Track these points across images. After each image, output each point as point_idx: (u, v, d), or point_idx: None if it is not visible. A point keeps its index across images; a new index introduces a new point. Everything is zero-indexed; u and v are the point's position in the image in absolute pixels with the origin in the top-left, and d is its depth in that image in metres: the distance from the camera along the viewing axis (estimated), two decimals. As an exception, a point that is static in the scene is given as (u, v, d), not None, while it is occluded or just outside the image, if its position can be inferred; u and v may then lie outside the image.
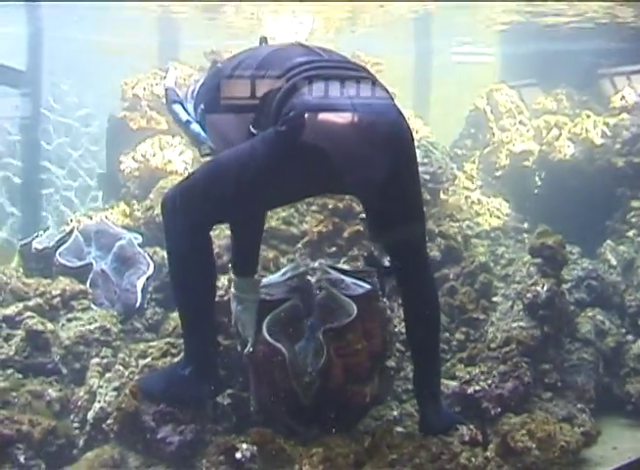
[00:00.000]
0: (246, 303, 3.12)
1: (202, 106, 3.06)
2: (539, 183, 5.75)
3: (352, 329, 2.96)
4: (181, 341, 3.22)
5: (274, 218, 4.10)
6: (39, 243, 4.12)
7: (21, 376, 3.32)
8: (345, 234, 3.99)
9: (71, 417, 3.24)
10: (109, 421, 3.05)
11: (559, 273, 3.79)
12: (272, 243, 4.02)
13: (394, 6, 7.09)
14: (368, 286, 3.15)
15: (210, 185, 2.84)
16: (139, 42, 8.50)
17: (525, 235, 5.26)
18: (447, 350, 3.78)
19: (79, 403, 3.26)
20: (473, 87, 7.18)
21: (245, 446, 2.79)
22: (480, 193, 5.90)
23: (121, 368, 3.34)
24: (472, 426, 2.95)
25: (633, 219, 4.88)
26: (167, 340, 3.50)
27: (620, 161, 5.21)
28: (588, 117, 5.66)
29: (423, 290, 3.05)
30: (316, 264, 3.35)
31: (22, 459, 2.91)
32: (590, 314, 4.06)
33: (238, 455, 2.76)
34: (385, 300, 3.41)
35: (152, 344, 3.53)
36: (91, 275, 3.91)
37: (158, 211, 4.19)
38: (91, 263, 3.96)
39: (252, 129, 2.80)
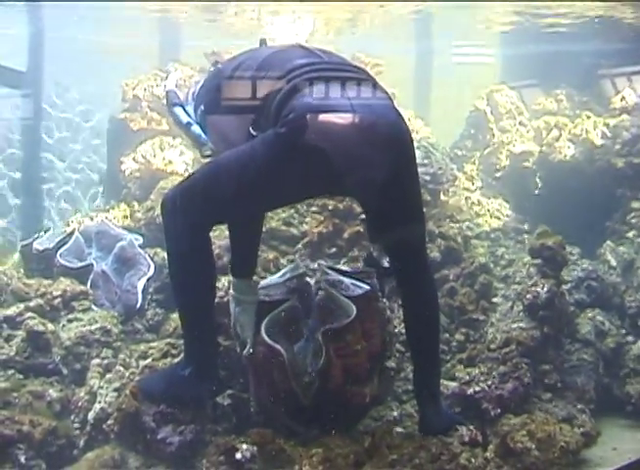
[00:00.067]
0: (244, 304, 3.12)
1: (202, 107, 3.06)
2: (539, 184, 5.75)
3: (351, 330, 2.96)
4: (181, 342, 3.23)
5: (274, 219, 4.11)
6: (40, 244, 4.12)
7: (21, 376, 3.33)
8: (346, 235, 3.99)
9: (72, 418, 3.24)
10: (109, 422, 3.06)
11: (559, 274, 3.80)
12: (272, 244, 4.03)
13: (394, 6, 7.10)
14: (367, 287, 3.15)
15: (210, 186, 2.84)
16: (140, 43, 8.51)
17: (526, 236, 5.25)
18: (447, 350, 3.78)
19: (80, 404, 3.26)
20: (473, 88, 7.18)
21: (245, 446, 2.80)
22: (481, 194, 5.91)
23: (122, 369, 3.34)
24: (471, 427, 2.96)
25: (633, 220, 4.89)
26: (168, 341, 3.50)
27: (620, 161, 5.21)
28: (588, 117, 5.66)
29: (422, 291, 3.05)
30: (315, 265, 3.35)
31: (22, 459, 2.92)
32: (590, 315, 4.06)
33: (238, 456, 2.77)
34: (384, 300, 3.41)
35: (152, 345, 3.54)
36: (92, 276, 3.92)
37: (158, 211, 4.19)
38: (92, 264, 3.97)
39: (252, 131, 2.80)
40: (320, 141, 2.61)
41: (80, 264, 3.97)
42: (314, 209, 4.16)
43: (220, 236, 3.73)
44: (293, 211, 4.17)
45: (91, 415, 3.18)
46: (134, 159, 5.33)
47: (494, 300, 4.04)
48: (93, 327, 3.56)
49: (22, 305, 3.57)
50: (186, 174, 4.70)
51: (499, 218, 5.65)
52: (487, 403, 3.38)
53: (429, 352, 3.07)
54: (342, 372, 2.93)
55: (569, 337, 3.88)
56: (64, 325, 3.59)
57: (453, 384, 3.47)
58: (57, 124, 9.24)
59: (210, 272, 2.98)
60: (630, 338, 4.06)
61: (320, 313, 3.02)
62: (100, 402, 3.20)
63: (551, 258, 3.77)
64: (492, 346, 3.64)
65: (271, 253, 3.91)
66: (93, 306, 3.76)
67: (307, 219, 4.15)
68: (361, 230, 3.92)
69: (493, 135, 6.26)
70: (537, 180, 5.77)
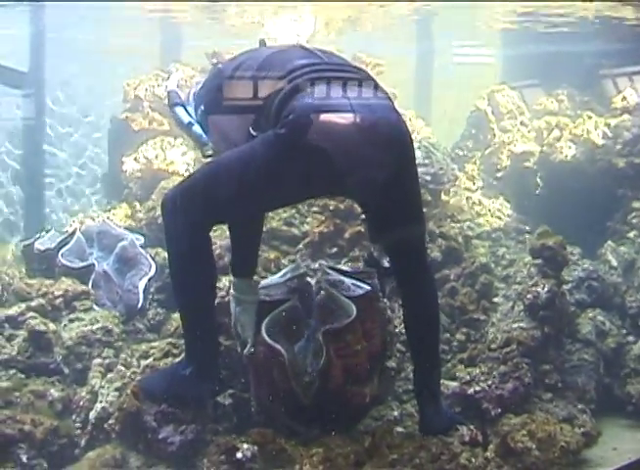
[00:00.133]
0: (245, 304, 3.13)
1: (202, 107, 3.07)
2: (540, 184, 5.75)
3: (352, 330, 2.96)
4: (182, 341, 3.23)
5: (275, 219, 4.12)
6: (41, 244, 4.13)
7: (23, 376, 3.33)
8: (347, 235, 4.00)
9: (73, 417, 3.25)
10: (110, 421, 3.07)
11: (559, 274, 3.80)
12: (273, 244, 4.04)
13: (395, 7, 7.10)
14: (368, 287, 3.16)
15: (210, 186, 2.85)
16: (141, 43, 8.52)
17: (527, 236, 5.25)
18: (448, 350, 3.78)
19: (81, 403, 3.27)
20: (474, 88, 7.19)
21: (245, 445, 2.81)
22: (481, 194, 5.91)
23: (123, 368, 3.35)
24: (472, 426, 2.96)
25: (634, 220, 4.88)
26: (169, 340, 3.51)
27: (621, 161, 5.21)
28: (589, 117, 5.65)
29: (422, 291, 3.06)
30: (316, 265, 3.36)
31: (24, 459, 2.93)
32: (591, 315, 4.06)
33: (239, 455, 2.78)
34: (385, 300, 3.42)
35: (153, 344, 3.55)
36: (93, 276, 3.93)
37: (159, 211, 4.20)
38: (93, 264, 3.98)
39: (252, 131, 2.81)
40: (320, 142, 2.62)
41: (82, 264, 3.98)
42: (315, 209, 4.16)
43: (221, 236, 3.73)
44: (294, 211, 4.18)
45: (92, 415, 3.18)
46: (135, 159, 5.34)
47: (495, 299, 4.05)
48: (94, 327, 3.57)
49: (23, 305, 3.58)
50: (187, 175, 4.71)
51: (500, 218, 5.65)
52: (488, 403, 3.38)
53: (429, 352, 3.08)
54: (342, 372, 2.93)
55: (569, 337, 3.88)
56: (65, 325, 3.60)
57: (454, 384, 3.47)
58: (59, 122, 9.29)
59: (211, 272, 2.99)
60: (631, 338, 4.06)
61: (321, 313, 3.03)
62: (101, 402, 3.21)
63: (552, 258, 3.78)
64: (493, 345, 3.64)
65: (272, 253, 3.92)
66: (94, 306, 3.77)
67: (308, 219, 4.15)
68: (362, 230, 3.92)
69: (494, 135, 6.26)
70: (538, 180, 5.77)
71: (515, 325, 3.69)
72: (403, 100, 6.43)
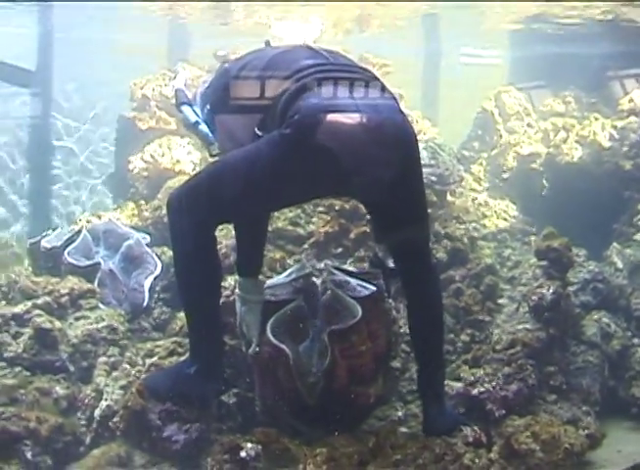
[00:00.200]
0: (250, 303, 3.13)
1: (208, 106, 3.07)
2: (546, 186, 5.74)
3: (357, 331, 2.97)
4: (188, 340, 3.24)
5: (281, 219, 4.12)
6: (48, 242, 4.14)
7: (28, 373, 3.34)
8: (352, 235, 4.00)
9: (78, 415, 3.26)
10: (115, 419, 3.08)
11: (564, 276, 3.79)
12: (279, 243, 4.04)
13: (403, 8, 7.10)
14: (373, 288, 3.16)
15: (215, 185, 2.86)
16: (148, 43, 8.54)
17: (532, 237, 5.24)
18: (452, 351, 3.77)
19: (86, 401, 3.28)
20: (481, 89, 7.18)
21: (249, 445, 2.81)
22: (488, 195, 5.89)
23: (128, 367, 3.36)
24: (476, 427, 2.96)
25: (640, 222, 4.88)
26: (174, 339, 3.52)
27: (628, 163, 5.20)
28: (596, 119, 5.64)
29: (427, 291, 3.06)
30: (322, 265, 3.36)
31: (29, 455, 2.94)
32: (596, 317, 4.04)
33: (242, 454, 2.78)
34: (390, 301, 3.42)
35: (159, 343, 3.56)
36: (99, 274, 3.94)
37: (165, 210, 4.21)
38: (99, 263, 3.99)
39: (258, 131, 2.81)
40: (325, 142, 2.62)
41: (88, 263, 3.99)
42: (321, 209, 4.16)
43: (227, 235, 3.74)
44: (299, 210, 4.18)
45: (97, 412, 3.20)
46: (142, 158, 5.36)
47: (500, 301, 4.04)
48: (100, 325, 3.58)
49: (29, 303, 3.59)
50: (193, 174, 4.72)
51: (506, 220, 5.64)
52: (492, 404, 3.38)
53: (433, 353, 3.08)
54: (347, 372, 2.94)
55: (574, 339, 3.87)
56: (71, 323, 3.61)
57: (458, 384, 3.46)
58: (64, 125, 9.34)
59: (216, 271, 2.99)
60: (636, 340, 4.05)
61: (326, 314, 3.03)
62: (106, 400, 3.22)
63: (557, 260, 3.77)
64: (497, 347, 3.64)
65: (278, 252, 3.92)
66: (100, 305, 3.78)
67: (314, 219, 4.15)
68: (367, 230, 3.92)
69: (501, 136, 6.25)
70: (544, 182, 5.76)
71: (520, 326, 3.69)
72: (410, 100, 6.43)
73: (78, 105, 9.79)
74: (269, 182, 2.73)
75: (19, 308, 3.55)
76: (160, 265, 4.03)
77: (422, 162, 3.01)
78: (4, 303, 3.76)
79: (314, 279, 3.21)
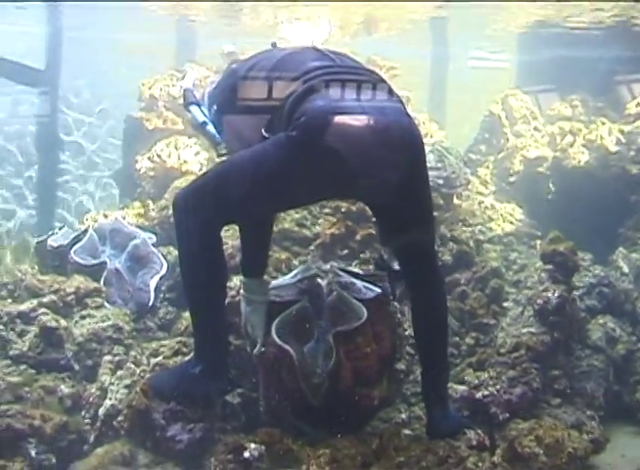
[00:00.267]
0: (255, 304, 3.13)
1: (215, 107, 3.08)
2: (553, 189, 5.74)
3: (362, 332, 2.97)
4: (193, 340, 3.24)
5: (287, 220, 4.13)
6: (54, 240, 4.16)
7: (34, 371, 3.35)
8: (358, 237, 4.00)
9: (83, 413, 3.27)
10: (119, 418, 3.08)
11: (570, 280, 3.79)
12: (285, 244, 4.05)
13: (410, 10, 7.10)
14: (378, 290, 3.16)
15: (221, 186, 2.86)
16: (156, 43, 8.57)
17: (538, 241, 5.24)
18: (457, 354, 3.78)
19: (91, 400, 3.29)
20: (488, 92, 7.18)
21: (253, 445, 2.81)
22: (494, 198, 5.90)
23: (133, 366, 3.36)
24: (479, 431, 2.95)
25: (646, 227, 4.88)
26: (179, 339, 3.53)
27: (635, 168, 5.20)
28: (603, 123, 5.64)
29: (432, 294, 3.06)
30: (328, 267, 3.36)
31: (33, 453, 2.95)
32: (601, 321, 4.04)
33: (246, 454, 2.78)
34: (395, 303, 3.42)
35: (164, 342, 3.56)
36: (105, 274, 3.95)
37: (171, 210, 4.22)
38: (105, 262, 4.00)
39: (265, 133, 2.81)
40: (331, 145, 2.62)
41: (94, 262, 4.00)
42: (327, 210, 4.17)
43: (233, 236, 3.75)
44: (306, 212, 4.19)
45: (102, 411, 3.20)
46: (149, 158, 5.37)
47: (505, 304, 4.05)
48: (105, 324, 3.59)
49: (35, 301, 3.60)
50: (199, 174, 4.73)
51: (512, 223, 5.64)
52: (496, 408, 3.38)
53: (437, 356, 3.08)
54: (351, 374, 2.94)
55: (579, 343, 3.87)
56: (76, 322, 3.62)
57: (462, 387, 3.47)
58: (74, 120, 9.38)
59: (221, 271, 2.99)
60: (641, 345, 4.06)
61: (331, 315, 3.03)
62: (110, 399, 3.22)
63: (563, 264, 3.77)
64: (502, 350, 3.64)
65: (283, 253, 3.93)
66: (106, 304, 3.79)
67: (320, 221, 4.16)
68: (373, 232, 3.93)
69: (507, 140, 6.25)
70: (551, 186, 5.76)
71: (524, 330, 3.69)
72: (417, 103, 6.44)
73: (88, 99, 9.82)
74: (275, 184, 2.73)
75: (25, 307, 3.57)
76: (165, 265, 4.04)
77: (428, 164, 3.01)
78: (10, 300, 3.77)
79: (319, 280, 3.21)
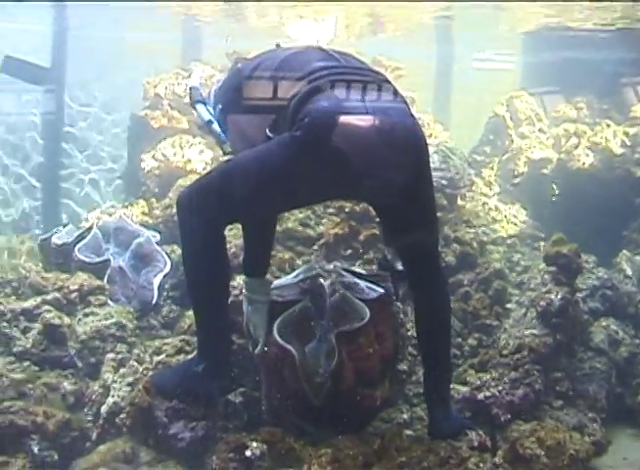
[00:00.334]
0: (257, 303, 3.13)
1: (220, 106, 3.08)
2: (557, 191, 5.75)
3: (364, 333, 2.97)
4: (196, 339, 3.25)
5: (291, 220, 4.13)
6: (59, 238, 4.16)
7: (37, 368, 3.36)
8: (361, 237, 4.00)
9: (85, 410, 3.28)
10: (122, 415, 3.09)
11: (573, 282, 3.79)
12: (288, 244, 4.05)
13: (416, 11, 7.10)
14: (381, 290, 3.16)
15: (226, 185, 2.86)
16: (162, 42, 8.58)
17: (542, 243, 5.24)
18: (459, 355, 3.78)
19: (93, 397, 3.30)
20: (493, 94, 7.17)
21: (255, 444, 2.82)
22: (498, 200, 5.90)
23: (136, 364, 3.37)
24: (481, 432, 2.95)
25: (650, 230, 4.88)
26: (182, 337, 3.53)
27: (639, 170, 5.18)
28: (608, 126, 5.64)
29: (435, 294, 3.06)
30: (331, 267, 3.36)
31: (35, 450, 2.96)
32: (604, 324, 4.04)
33: (248, 453, 2.80)
34: (398, 303, 3.43)
35: (167, 341, 3.56)
36: (109, 271, 3.95)
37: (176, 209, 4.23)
38: (109, 260, 4.00)
39: (269, 132, 2.82)
40: (335, 145, 2.62)
41: (98, 260, 4.01)
42: (331, 210, 4.18)
43: (237, 235, 3.75)
44: (309, 212, 4.19)
45: (104, 409, 3.21)
46: (154, 156, 5.38)
47: (508, 305, 4.04)
48: (108, 322, 3.59)
49: (39, 299, 3.61)
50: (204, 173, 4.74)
51: (516, 225, 5.64)
52: (498, 409, 3.38)
53: (440, 357, 3.08)
54: (353, 374, 2.94)
55: (582, 345, 3.87)
56: (80, 319, 3.63)
57: (464, 388, 3.47)
58: (79, 118, 9.42)
59: (224, 270, 3.00)
60: (644, 348, 4.05)
61: (334, 315, 3.03)
62: (113, 396, 3.23)
63: (566, 266, 3.76)
64: (504, 351, 3.64)
65: (287, 253, 3.94)
66: (109, 302, 3.79)
67: (324, 221, 4.16)
68: (377, 233, 3.93)
69: (512, 141, 6.25)
70: (555, 187, 5.76)
71: (527, 332, 3.69)
72: (422, 104, 6.43)
73: (94, 97, 9.84)
74: (279, 183, 2.74)
75: (28, 304, 3.57)
76: (169, 263, 4.04)
77: (433, 165, 3.01)
78: (14, 298, 3.78)
79: (321, 280, 3.21)
